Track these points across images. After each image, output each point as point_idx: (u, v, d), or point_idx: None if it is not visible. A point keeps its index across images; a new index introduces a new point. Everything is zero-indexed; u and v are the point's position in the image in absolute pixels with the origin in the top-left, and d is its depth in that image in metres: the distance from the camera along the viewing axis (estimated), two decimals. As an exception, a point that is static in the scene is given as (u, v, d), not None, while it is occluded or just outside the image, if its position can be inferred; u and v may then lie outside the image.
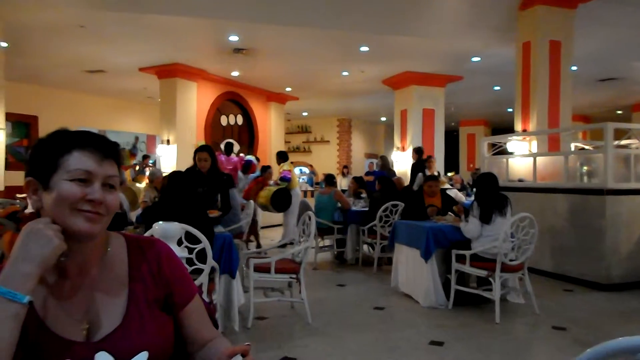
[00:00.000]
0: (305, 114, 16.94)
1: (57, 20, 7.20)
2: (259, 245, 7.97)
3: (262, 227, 9.44)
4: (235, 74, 10.85)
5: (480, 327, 4.04)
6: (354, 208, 7.17)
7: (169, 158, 10.22)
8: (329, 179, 7.47)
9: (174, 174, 3.75)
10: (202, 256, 3.19)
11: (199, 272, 3.20)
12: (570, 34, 7.09)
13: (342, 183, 13.23)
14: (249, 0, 7.03)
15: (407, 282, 5.02)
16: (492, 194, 4.52)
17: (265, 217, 9.89)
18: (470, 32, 8.23)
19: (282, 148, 12.01)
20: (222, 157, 8.81)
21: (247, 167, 8.90)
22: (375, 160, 12.63)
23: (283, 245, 7.16)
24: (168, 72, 10.01)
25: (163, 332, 1.08)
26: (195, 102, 10.62)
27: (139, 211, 5.70)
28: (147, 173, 10.14)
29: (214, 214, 4.35)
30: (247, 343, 1.01)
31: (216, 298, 3.61)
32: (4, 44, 7.01)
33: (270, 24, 7.60)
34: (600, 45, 8.69)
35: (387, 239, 5.75)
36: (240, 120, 12.37)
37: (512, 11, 7.37)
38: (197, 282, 3.10)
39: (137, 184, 9.84)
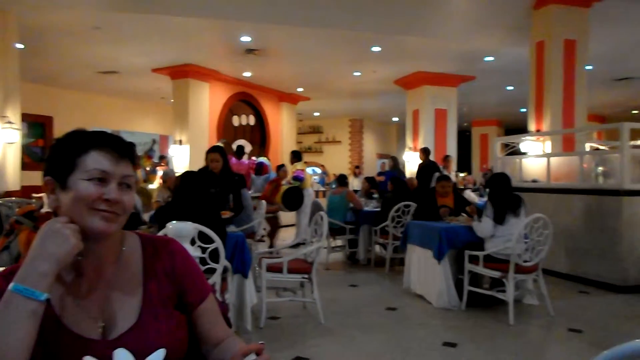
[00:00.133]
0: (317, 114, 16.95)
1: (71, 22, 7.29)
2: (272, 245, 7.98)
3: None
4: (247, 74, 10.89)
5: (494, 329, 4.00)
6: (366, 208, 7.16)
7: (182, 158, 10.30)
8: (341, 179, 7.46)
9: (187, 174, 3.77)
10: (215, 256, 3.21)
11: (212, 271, 3.22)
12: (585, 33, 7.01)
13: (354, 183, 13.21)
14: (261, 1, 7.05)
15: (419, 283, 5.00)
16: (505, 194, 4.48)
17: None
18: (484, 31, 8.18)
19: (294, 148, 12.03)
20: (234, 160, 8.81)
21: (260, 168, 8.92)
22: (386, 161, 12.61)
23: (295, 245, 7.16)
24: (181, 72, 10.08)
25: (177, 331, 1.08)
26: (208, 102, 10.69)
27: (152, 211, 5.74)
28: (159, 173, 10.23)
29: (226, 215, 4.37)
30: (261, 342, 1.01)
31: (229, 297, 3.62)
32: (20, 46, 7.11)
33: (282, 25, 7.62)
34: (616, 44, 8.58)
35: (400, 239, 5.73)
36: (252, 120, 12.41)
37: (526, 10, 7.30)
38: (210, 282, 3.11)
39: (150, 185, 9.91)
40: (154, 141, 13.61)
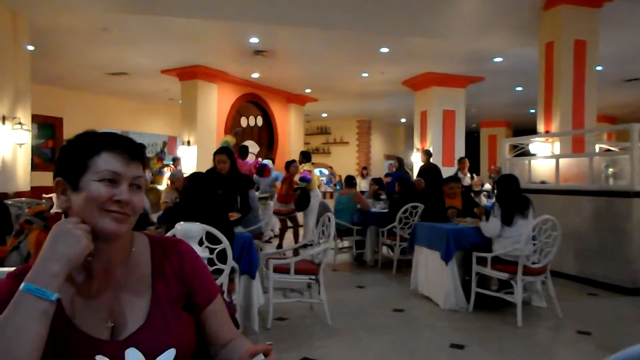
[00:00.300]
0: (324, 115, 16.96)
1: (81, 23, 7.35)
2: (280, 246, 7.96)
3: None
4: (255, 75, 10.93)
5: (502, 331, 3.98)
6: (373, 209, 7.15)
7: (190, 159, 10.34)
8: (349, 180, 7.45)
9: (194, 175, 3.79)
10: (222, 256, 3.22)
11: (220, 272, 3.23)
12: (595, 34, 6.96)
13: (362, 184, 13.21)
14: (270, 2, 7.07)
15: (427, 284, 4.99)
16: (513, 196, 4.46)
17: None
18: (492, 32, 8.15)
19: (302, 149, 12.03)
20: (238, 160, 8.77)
21: (262, 170, 8.89)
22: (393, 162, 12.64)
23: (302, 246, 7.17)
24: (189, 74, 10.13)
25: (185, 332, 1.09)
26: (216, 103, 10.73)
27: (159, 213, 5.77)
28: (166, 174, 10.28)
29: (234, 216, 4.39)
30: (268, 342, 1.01)
31: (236, 298, 3.63)
32: (31, 48, 7.18)
33: (291, 26, 7.64)
34: (626, 44, 8.52)
35: (407, 240, 5.72)
36: (260, 121, 12.45)
37: (536, 11, 7.27)
38: (217, 282, 3.12)
39: (158, 186, 9.97)
40: (164, 143, 13.68)
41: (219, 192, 3.82)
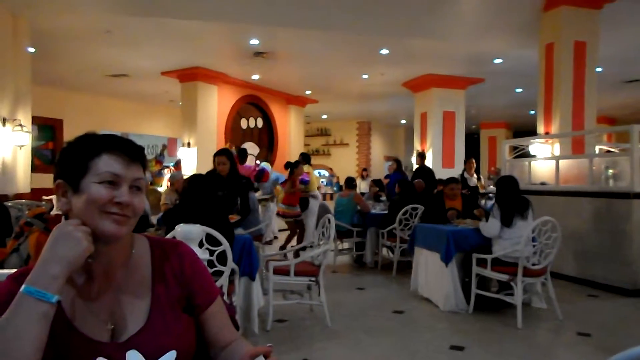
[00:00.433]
0: (324, 116, 16.97)
1: (82, 25, 7.36)
2: (283, 248, 7.87)
3: (281, 230, 9.43)
4: (255, 77, 10.94)
5: (502, 332, 3.98)
6: (373, 211, 7.15)
7: (190, 161, 10.35)
8: (349, 182, 7.44)
9: (194, 177, 3.79)
10: (222, 258, 3.22)
11: (220, 274, 3.23)
12: (595, 35, 6.96)
13: (362, 186, 13.21)
14: (270, 4, 7.08)
15: (426, 286, 4.99)
16: (512, 197, 4.46)
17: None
18: (493, 33, 8.15)
19: (302, 151, 12.03)
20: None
21: (260, 175, 8.87)
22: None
23: (302, 248, 7.17)
24: (189, 75, 10.14)
25: (185, 334, 1.09)
26: (216, 105, 10.74)
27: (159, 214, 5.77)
28: (165, 176, 10.29)
29: (233, 218, 4.39)
30: (269, 344, 1.01)
31: (236, 300, 3.63)
32: (31, 49, 7.19)
33: (291, 28, 7.65)
34: (626, 45, 8.52)
35: (407, 242, 5.72)
36: (260, 123, 12.46)
37: (536, 12, 7.27)
38: (217, 284, 3.12)
39: (158, 187, 9.98)
40: (164, 146, 13.68)
41: (219, 194, 3.82)
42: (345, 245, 7.37)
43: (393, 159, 11.13)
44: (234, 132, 11.40)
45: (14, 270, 1.06)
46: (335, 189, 14.72)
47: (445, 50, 8.87)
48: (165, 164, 12.56)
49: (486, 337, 3.88)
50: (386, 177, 11.58)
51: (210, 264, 3.16)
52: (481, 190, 9.35)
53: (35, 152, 10.04)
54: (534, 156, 7.19)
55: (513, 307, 4.18)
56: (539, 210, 4.85)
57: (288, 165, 7.76)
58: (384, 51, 8.83)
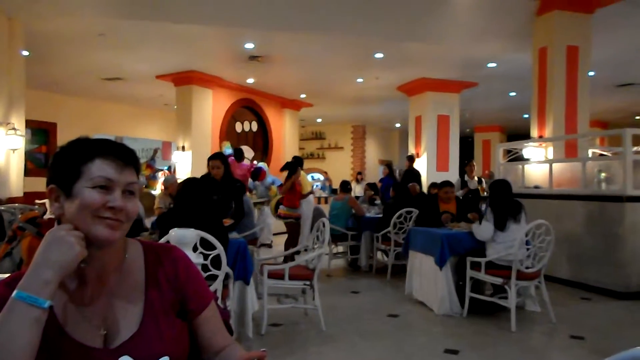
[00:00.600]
0: (319, 120, 16.98)
1: (77, 29, 7.34)
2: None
3: (275, 234, 9.40)
4: (250, 81, 10.93)
5: (496, 336, 3.99)
6: (368, 215, 7.15)
7: (185, 165, 10.32)
8: (344, 186, 7.44)
9: (188, 180, 3.78)
10: (216, 262, 3.21)
11: (214, 278, 3.22)
12: (587, 39, 7.02)
13: (356, 189, 13.22)
14: (265, 8, 7.09)
15: (421, 290, 4.99)
16: (505, 201, 4.48)
17: (278, 223, 9.88)
18: (486, 38, 8.19)
19: (297, 154, 12.02)
20: (232, 159, 8.44)
21: (257, 173, 8.84)
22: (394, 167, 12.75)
23: (297, 252, 7.15)
24: (184, 79, 10.12)
25: (179, 339, 1.09)
26: (211, 109, 10.72)
27: (153, 218, 5.75)
28: (160, 179, 10.26)
29: (227, 222, 4.38)
30: (262, 349, 1.01)
31: (230, 304, 3.62)
32: (25, 53, 7.16)
33: (286, 31, 7.65)
34: (619, 50, 8.59)
35: (401, 245, 5.73)
36: (254, 126, 12.45)
37: (529, 17, 7.32)
38: (211, 288, 3.11)
39: (152, 191, 9.95)
40: (155, 150, 13.63)
41: (213, 198, 3.81)
42: (340, 248, 7.37)
43: (385, 163, 11.17)
44: (228, 135, 11.38)
45: (6, 275, 1.06)
46: (326, 192, 14.71)
47: (439, 54, 8.91)
48: (157, 167, 12.53)
49: (480, 340, 3.89)
50: (380, 180, 11.61)
51: (205, 268, 3.15)
52: (482, 194, 9.33)
53: (29, 156, 9.99)
54: (527, 160, 7.22)
55: (507, 310, 4.19)
56: (533, 214, 4.87)
57: (286, 166, 7.39)
58: (379, 55, 8.86)
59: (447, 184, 5.73)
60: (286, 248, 7.12)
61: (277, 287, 4.14)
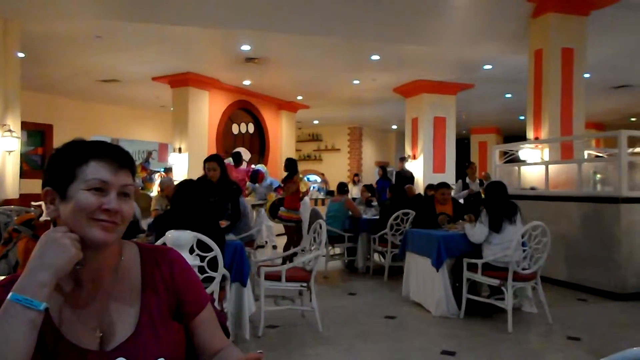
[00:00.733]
0: (316, 122, 16.99)
1: (73, 30, 7.33)
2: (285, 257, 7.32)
3: (279, 235, 9.37)
4: (246, 82, 10.93)
5: (493, 337, 4.00)
6: (364, 216, 7.15)
7: (181, 166, 10.30)
8: (341, 187, 7.44)
9: (184, 182, 3.78)
10: (213, 264, 3.21)
11: (211, 280, 3.22)
12: (583, 41, 7.05)
13: (353, 191, 13.22)
14: (261, 10, 7.09)
15: (418, 291, 5.00)
16: (501, 202, 4.49)
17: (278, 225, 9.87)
18: (482, 40, 8.22)
19: (293, 156, 12.02)
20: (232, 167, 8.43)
21: (255, 176, 8.83)
22: (390, 169, 12.76)
23: (294, 254, 7.14)
24: (180, 81, 10.11)
25: (175, 341, 1.08)
26: (207, 110, 10.71)
27: (149, 219, 5.74)
28: (156, 181, 10.24)
29: (223, 224, 4.37)
30: (259, 351, 1.01)
31: (227, 306, 3.61)
32: (21, 54, 7.14)
33: (282, 34, 7.66)
34: (614, 52, 8.63)
35: (398, 247, 5.73)
36: (251, 128, 12.44)
37: (525, 19, 7.35)
38: (208, 290, 3.11)
39: (149, 192, 9.93)
40: (149, 153, 13.58)
41: (210, 200, 3.81)
42: (337, 250, 7.37)
43: (379, 165, 11.20)
44: (225, 137, 11.37)
45: (2, 278, 1.05)
46: (322, 193, 14.70)
47: (435, 56, 8.93)
48: (151, 169, 12.47)
49: (477, 341, 3.89)
50: (377, 182, 11.62)
51: (201, 270, 3.14)
52: (484, 196, 9.24)
53: (24, 158, 9.94)
54: (523, 161, 7.25)
55: (504, 311, 4.20)
56: (530, 215, 4.89)
57: (287, 167, 7.18)
58: (375, 57, 8.87)
59: (443, 185, 5.73)
60: (285, 251, 7.01)
61: (274, 289, 4.14)
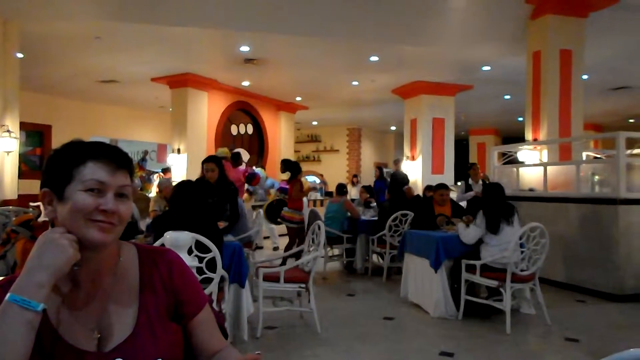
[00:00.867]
0: (315, 123, 17.00)
1: (72, 31, 7.33)
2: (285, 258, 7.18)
3: (281, 235, 9.34)
4: (245, 83, 10.94)
5: (491, 338, 4.00)
6: (363, 217, 7.15)
7: (180, 167, 10.30)
8: (339, 188, 7.43)
9: (182, 183, 3.77)
10: (212, 265, 3.21)
11: (209, 281, 3.21)
12: (581, 43, 7.06)
13: (352, 192, 13.21)
14: (260, 11, 7.10)
15: (416, 292, 5.00)
16: (498, 204, 4.50)
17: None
18: (481, 41, 8.24)
19: (292, 157, 12.02)
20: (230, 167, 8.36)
21: (251, 178, 8.79)
22: (387, 170, 12.76)
23: (293, 255, 7.13)
24: (179, 82, 10.12)
25: (173, 342, 1.08)
26: (206, 111, 10.72)
27: (148, 220, 5.74)
28: (155, 182, 10.22)
29: (221, 225, 4.36)
30: (257, 352, 1.01)
31: (225, 307, 3.61)
32: (20, 55, 7.14)
33: (281, 35, 7.67)
34: (612, 53, 8.65)
35: (397, 248, 5.73)
36: (250, 129, 12.45)
37: (523, 20, 7.36)
38: (206, 291, 3.11)
39: (147, 193, 9.92)
40: (146, 152, 13.56)
41: (208, 201, 3.80)
42: (336, 251, 7.36)
43: (377, 166, 11.21)
44: (224, 138, 11.38)
45: (0, 278, 1.05)
46: (320, 194, 14.70)
47: (434, 57, 8.94)
48: (148, 168, 12.45)
49: (475, 343, 3.89)
50: (374, 183, 11.63)
51: (200, 270, 3.14)
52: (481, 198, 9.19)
53: (23, 158, 9.94)
54: (522, 162, 7.25)
55: (502, 312, 4.20)
56: (528, 216, 4.89)
57: (288, 168, 7.08)
58: (374, 58, 8.88)
59: (441, 186, 5.73)
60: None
61: (273, 290, 4.14)
